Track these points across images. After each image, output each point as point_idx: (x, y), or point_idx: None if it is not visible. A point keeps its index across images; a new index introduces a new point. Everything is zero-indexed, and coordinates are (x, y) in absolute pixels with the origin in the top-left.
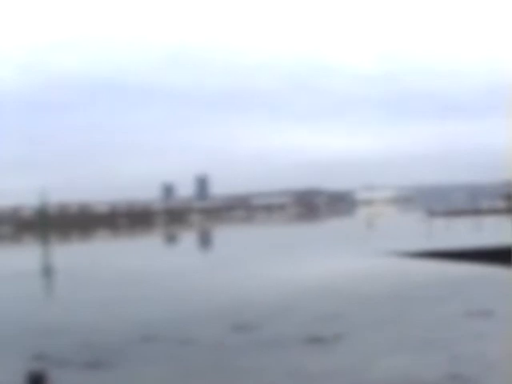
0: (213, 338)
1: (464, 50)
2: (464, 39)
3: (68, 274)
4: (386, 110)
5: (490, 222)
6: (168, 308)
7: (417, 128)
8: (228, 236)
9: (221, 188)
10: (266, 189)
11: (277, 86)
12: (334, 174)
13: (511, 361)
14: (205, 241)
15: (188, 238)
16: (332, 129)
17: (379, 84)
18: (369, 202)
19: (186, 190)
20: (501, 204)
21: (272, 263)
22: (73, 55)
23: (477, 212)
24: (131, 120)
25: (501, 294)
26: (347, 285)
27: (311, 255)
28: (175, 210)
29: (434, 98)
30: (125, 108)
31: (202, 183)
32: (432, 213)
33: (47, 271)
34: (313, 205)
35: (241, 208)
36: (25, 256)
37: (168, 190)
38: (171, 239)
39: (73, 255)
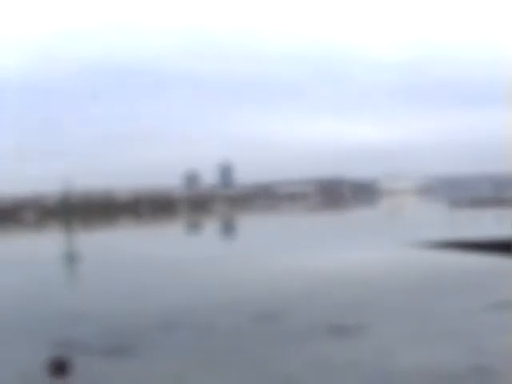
0: (238, 326)
1: (489, 38)
2: (489, 27)
3: (91, 261)
4: (410, 99)
5: None
6: (187, 296)
7: (440, 117)
8: (251, 225)
9: (245, 176)
10: (290, 177)
11: (301, 74)
12: (357, 162)
13: None
14: (228, 229)
15: (211, 227)
16: (356, 118)
17: (404, 72)
18: (392, 192)
19: (209, 177)
20: None
21: (297, 253)
22: (97, 43)
23: (500, 202)
24: (156, 107)
25: None
26: (370, 275)
27: (335, 245)
28: (199, 198)
29: (459, 86)
30: (149, 95)
31: (226, 171)
32: (455, 203)
33: (71, 258)
34: (336, 194)
35: (264, 196)
36: (48, 243)
37: (192, 177)
38: (194, 227)
39: (96, 242)
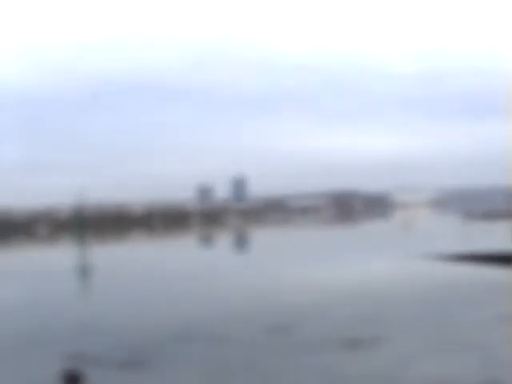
0: (252, 338)
1: (504, 48)
2: (504, 37)
3: (104, 274)
4: (424, 110)
5: None
6: (201, 309)
7: (454, 128)
8: (264, 238)
9: (257, 189)
10: (303, 190)
11: (314, 86)
12: (369, 175)
13: None
14: (241, 243)
15: (224, 240)
16: (368, 129)
17: (417, 84)
18: (405, 205)
19: (222, 191)
20: None
21: (310, 266)
22: (111, 55)
23: None
24: (167, 120)
25: None
26: (383, 287)
27: (348, 258)
28: (211, 212)
29: (473, 97)
30: (160, 108)
31: (239, 184)
32: (468, 215)
33: (84, 271)
34: (349, 207)
35: (277, 210)
36: (61, 256)
37: (204, 191)
38: (207, 241)
39: (109, 256)
